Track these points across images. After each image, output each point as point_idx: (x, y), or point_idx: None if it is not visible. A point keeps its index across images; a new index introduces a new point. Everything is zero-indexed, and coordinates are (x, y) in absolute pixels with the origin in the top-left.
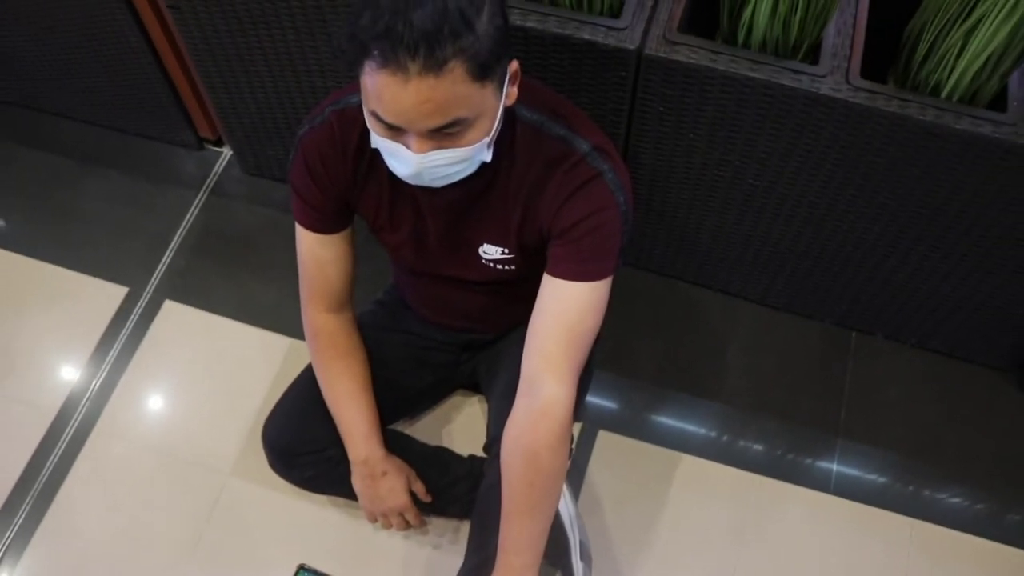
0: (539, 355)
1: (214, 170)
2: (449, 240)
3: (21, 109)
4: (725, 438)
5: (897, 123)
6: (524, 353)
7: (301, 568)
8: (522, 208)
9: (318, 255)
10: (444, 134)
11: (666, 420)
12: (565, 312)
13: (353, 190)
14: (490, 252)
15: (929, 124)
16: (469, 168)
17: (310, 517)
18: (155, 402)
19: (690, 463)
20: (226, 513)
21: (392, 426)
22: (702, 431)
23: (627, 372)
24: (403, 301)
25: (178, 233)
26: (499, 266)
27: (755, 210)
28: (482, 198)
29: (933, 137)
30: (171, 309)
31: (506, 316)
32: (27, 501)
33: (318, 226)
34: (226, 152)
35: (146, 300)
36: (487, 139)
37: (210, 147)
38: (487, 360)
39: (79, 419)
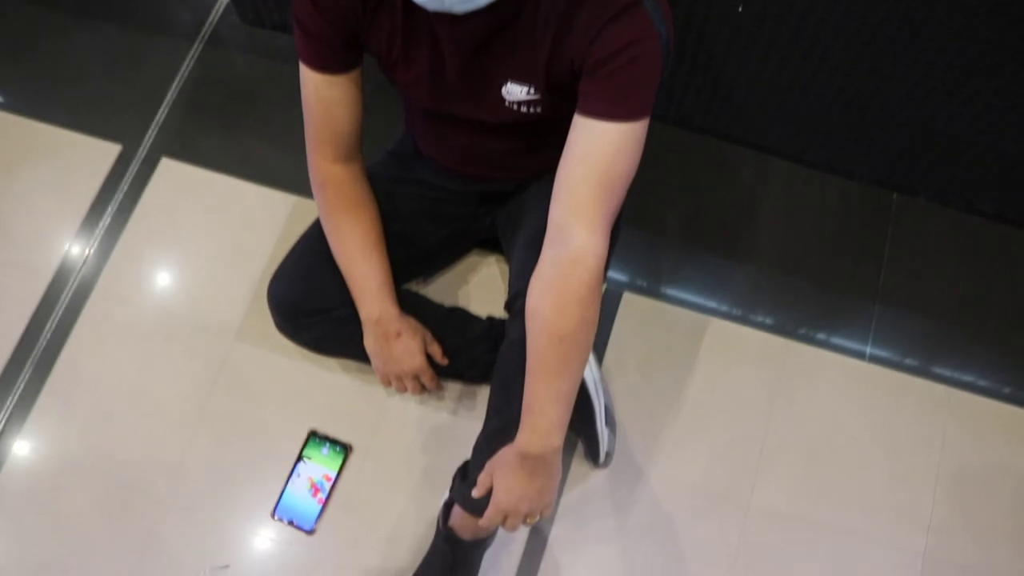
0: (568, 201)
1: (210, 19)
2: (469, 78)
3: None
4: (757, 301)
5: None
6: (552, 200)
7: (312, 434)
8: (552, 40)
9: (324, 97)
10: None
11: (694, 282)
12: (597, 155)
13: (362, 21)
14: (513, 92)
15: None
16: None
17: (320, 381)
18: (155, 264)
19: (719, 327)
20: (232, 379)
21: (405, 286)
22: (732, 294)
23: (654, 231)
24: (416, 149)
25: (173, 86)
26: (523, 108)
27: (801, 53)
28: (508, 30)
29: None
30: (168, 167)
31: (528, 164)
32: (27, 367)
33: (325, 63)
34: None
35: (141, 158)
36: None
37: None
38: (507, 213)
39: (76, 283)
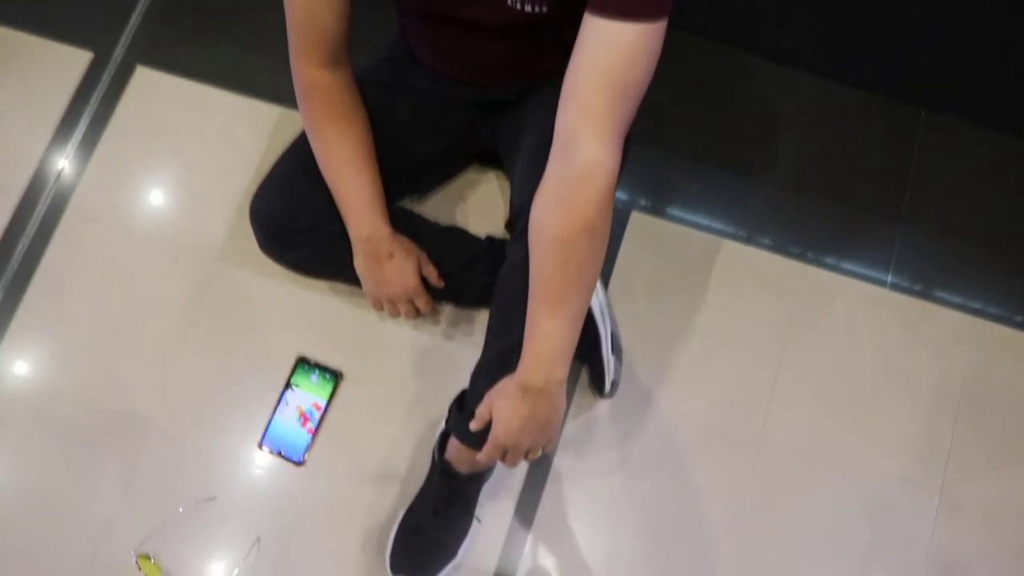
0: (577, 109)
1: None
2: None
3: None
4: (772, 223)
5: None
6: (559, 108)
7: (300, 361)
8: None
9: None
10: None
11: (707, 201)
12: (610, 58)
13: None
14: None
15: None
16: None
17: (309, 304)
18: (132, 180)
19: (732, 249)
20: (215, 301)
21: (398, 203)
22: (747, 214)
23: (664, 146)
24: (410, 54)
25: None
26: (527, 7)
27: None
28: None
29: None
30: (144, 76)
31: (532, 70)
32: None
33: None
34: None
35: (115, 66)
36: None
37: None
38: (509, 123)
39: (48, 200)
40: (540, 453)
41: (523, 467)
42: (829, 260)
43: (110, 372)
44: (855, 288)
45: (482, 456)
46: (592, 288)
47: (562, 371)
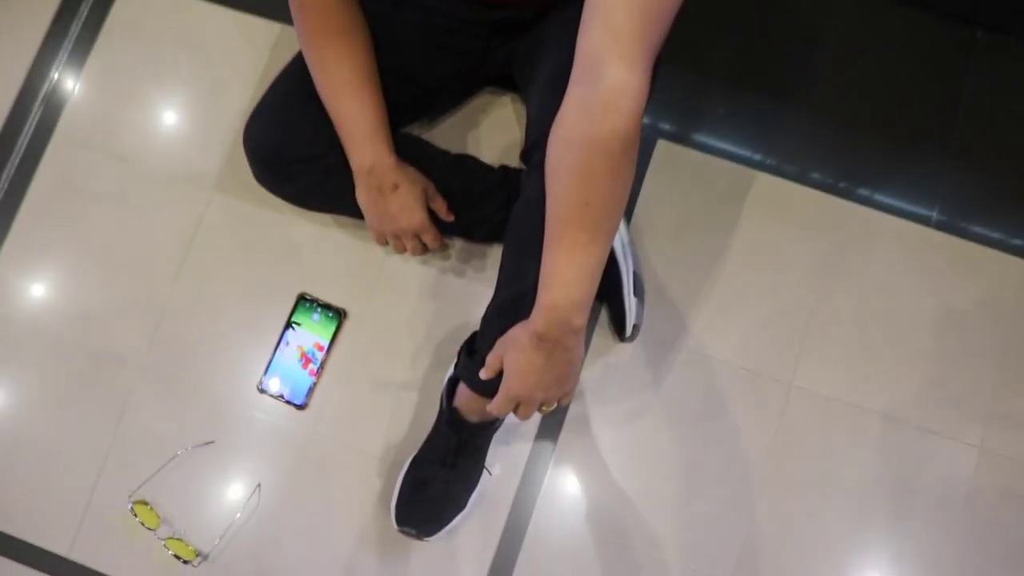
0: (603, 28)
1: None
2: None
3: None
4: (810, 155)
5: None
6: (581, 28)
7: (302, 298)
8: None
9: None
10: None
11: (740, 129)
12: None
13: None
14: None
15: None
16: None
17: (311, 237)
18: (122, 103)
19: (766, 183)
20: (211, 234)
21: (405, 130)
22: (782, 145)
23: (694, 68)
24: None
25: None
26: None
27: None
28: None
29: None
30: None
31: None
32: None
33: None
34: None
35: None
36: None
37: None
38: (526, 46)
39: (33, 126)
40: (555, 406)
41: (536, 416)
42: (870, 195)
43: (101, 310)
44: (897, 226)
45: (492, 409)
46: (615, 230)
47: (580, 320)
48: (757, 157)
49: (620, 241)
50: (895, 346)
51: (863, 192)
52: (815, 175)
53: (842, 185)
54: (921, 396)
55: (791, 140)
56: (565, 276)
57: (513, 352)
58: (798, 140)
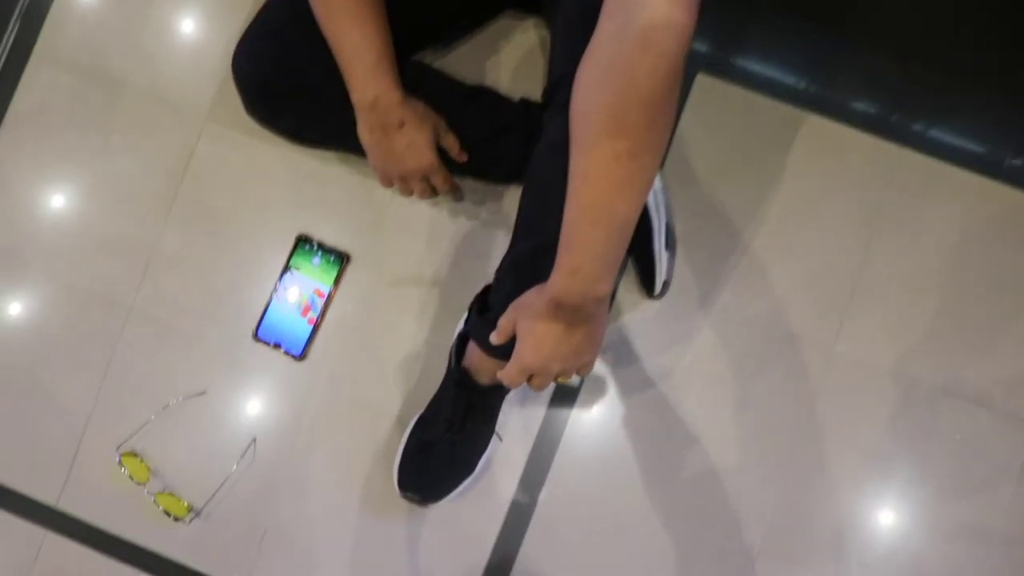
0: None
1: None
2: None
3: None
4: (867, 94)
5: None
6: None
7: (301, 240)
8: None
9: None
10: None
11: (788, 64)
12: None
13: None
14: None
15: None
16: None
17: (311, 174)
18: (105, 21)
19: (816, 125)
20: (204, 169)
21: (414, 58)
22: (836, 82)
23: None
24: None
25: None
26: None
27: None
28: None
29: None
30: None
31: None
32: None
33: None
34: None
35: None
36: None
37: None
38: None
39: (8, 47)
40: (574, 377)
41: None
42: (932, 141)
43: (86, 245)
44: (963, 179)
45: (503, 378)
46: (649, 185)
47: (605, 286)
48: (807, 95)
49: (653, 190)
50: (951, 313)
51: (924, 138)
52: (872, 118)
53: (900, 129)
54: (976, 369)
55: (846, 76)
56: (590, 239)
57: (528, 319)
58: (854, 76)
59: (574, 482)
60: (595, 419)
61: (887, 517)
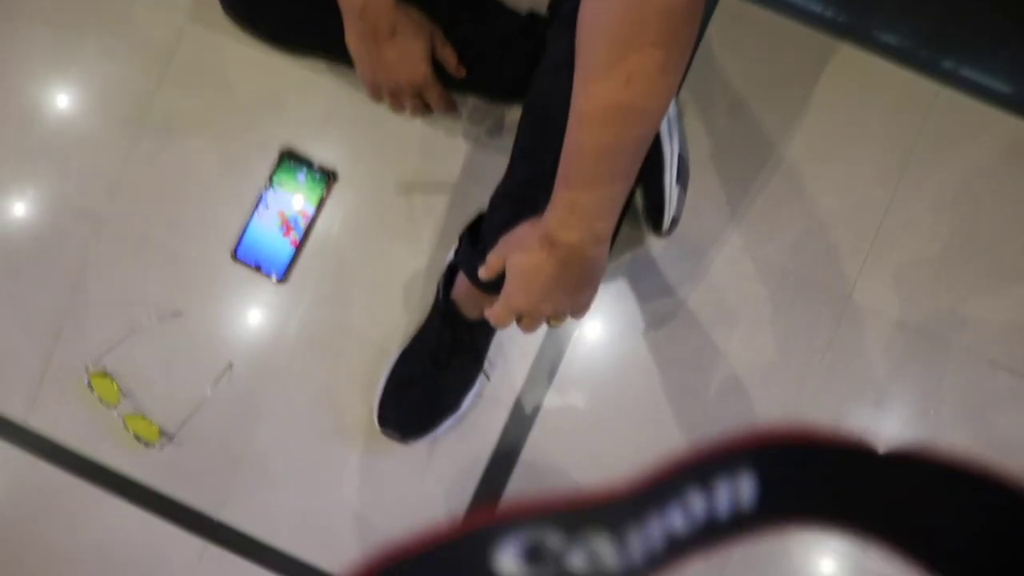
0: None
1: None
2: None
3: None
4: (905, 24)
5: None
6: None
7: (285, 155)
8: None
9: None
10: None
11: None
12: None
13: None
14: None
15: None
16: None
17: (297, 82)
18: None
19: (847, 55)
20: (183, 73)
21: None
22: (872, 8)
23: None
24: None
25: None
26: None
27: None
28: None
29: None
30: None
31: None
32: None
33: None
34: None
35: None
36: None
37: None
38: None
39: None
40: (566, 321)
41: None
42: (974, 81)
43: (54, 157)
44: (1004, 122)
45: (490, 317)
46: (664, 114)
47: (605, 226)
48: (840, 21)
49: (667, 116)
50: (980, 265)
51: (964, 74)
52: (909, 50)
53: (939, 63)
54: (1004, 328)
55: (883, 3)
56: (591, 169)
57: (519, 255)
58: (892, 4)
59: (565, 419)
60: (591, 356)
61: None
